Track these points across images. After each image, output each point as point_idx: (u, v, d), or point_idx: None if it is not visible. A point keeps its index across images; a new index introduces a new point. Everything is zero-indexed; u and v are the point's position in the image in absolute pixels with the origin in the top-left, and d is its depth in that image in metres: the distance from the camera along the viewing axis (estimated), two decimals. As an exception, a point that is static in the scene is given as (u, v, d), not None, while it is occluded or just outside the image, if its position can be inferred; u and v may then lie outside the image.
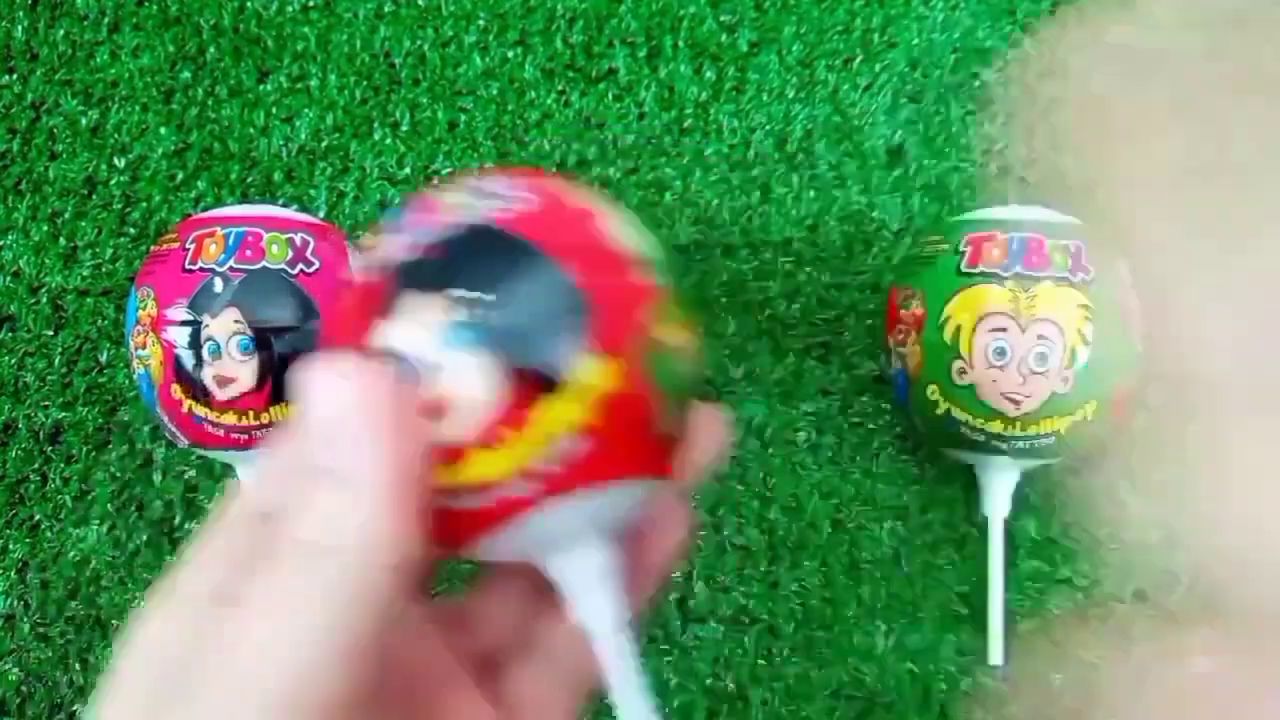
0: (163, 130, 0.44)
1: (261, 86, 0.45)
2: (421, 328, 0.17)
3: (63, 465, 0.40)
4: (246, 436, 0.34)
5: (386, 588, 0.16)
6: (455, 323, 0.17)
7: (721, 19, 0.46)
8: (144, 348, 0.34)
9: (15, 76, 0.45)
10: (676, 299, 0.20)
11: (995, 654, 0.38)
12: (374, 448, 0.16)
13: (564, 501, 0.18)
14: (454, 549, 0.19)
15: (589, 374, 0.17)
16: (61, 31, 0.45)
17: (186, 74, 0.45)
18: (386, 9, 0.46)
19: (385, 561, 0.16)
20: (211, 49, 0.45)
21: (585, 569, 0.19)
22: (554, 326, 0.17)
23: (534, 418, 0.17)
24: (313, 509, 0.17)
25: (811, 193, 0.43)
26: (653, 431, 0.19)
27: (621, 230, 0.19)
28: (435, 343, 0.17)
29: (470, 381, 0.17)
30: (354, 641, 0.16)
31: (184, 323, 0.33)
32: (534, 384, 0.17)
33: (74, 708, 0.38)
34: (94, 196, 0.43)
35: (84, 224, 0.43)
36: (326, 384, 0.17)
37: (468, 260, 0.18)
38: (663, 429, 0.19)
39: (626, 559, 0.21)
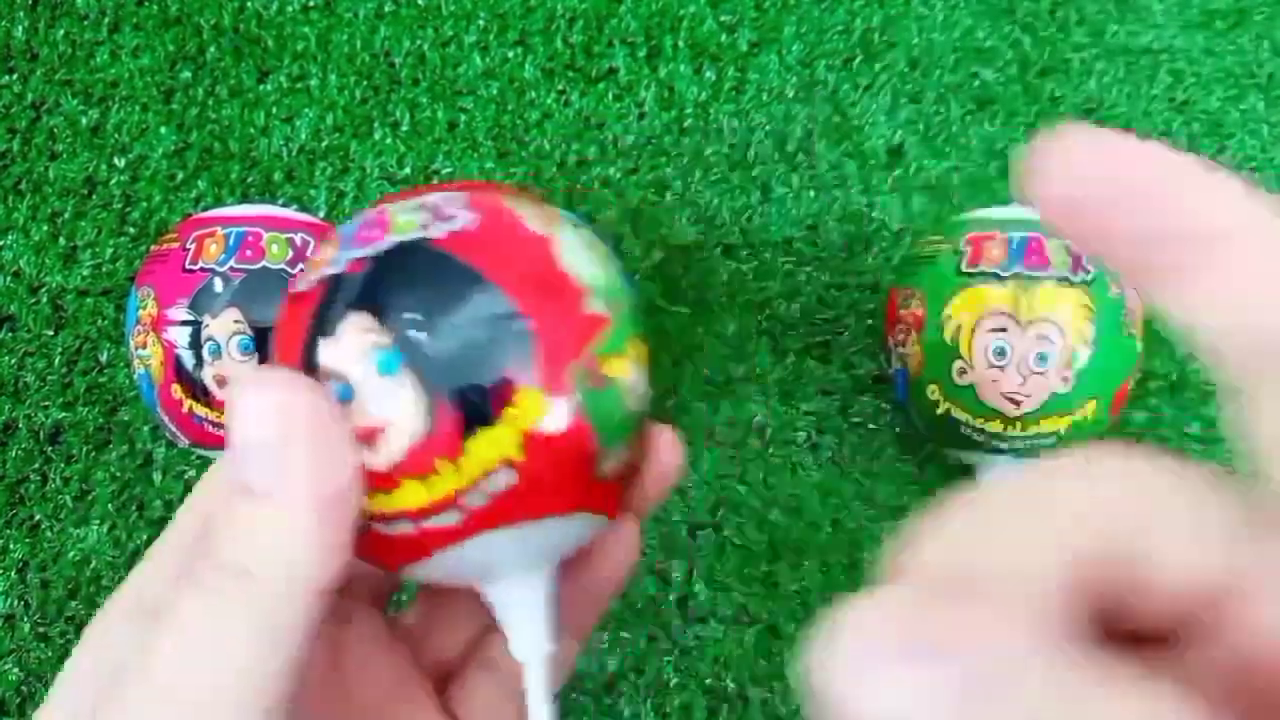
0: (163, 130, 0.44)
1: (261, 86, 0.45)
2: (357, 349, 0.17)
3: (63, 465, 0.40)
4: (247, 436, 0.34)
5: (305, 612, 0.16)
6: (390, 346, 0.17)
7: (721, 19, 0.46)
8: (144, 348, 0.34)
9: (15, 76, 0.45)
10: (629, 329, 0.19)
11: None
12: (301, 468, 0.16)
13: (492, 534, 0.18)
14: (385, 570, 0.19)
15: (524, 408, 0.17)
16: (61, 31, 0.45)
17: (186, 74, 0.45)
18: (386, 9, 0.46)
19: (305, 586, 0.16)
20: (211, 49, 0.45)
21: (515, 598, 0.19)
22: (491, 356, 0.17)
23: (464, 449, 0.17)
24: (234, 527, 0.16)
25: (811, 193, 0.43)
26: (591, 469, 0.18)
27: (574, 256, 0.19)
28: (370, 365, 0.17)
29: (402, 408, 0.17)
30: (268, 669, 0.15)
31: (184, 323, 0.33)
32: (467, 415, 0.17)
33: (74, 708, 0.38)
34: (94, 196, 0.43)
35: (84, 224, 0.43)
36: (256, 400, 0.16)
37: (408, 282, 0.17)
38: (603, 466, 0.18)
39: (568, 586, 0.20)
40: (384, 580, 0.23)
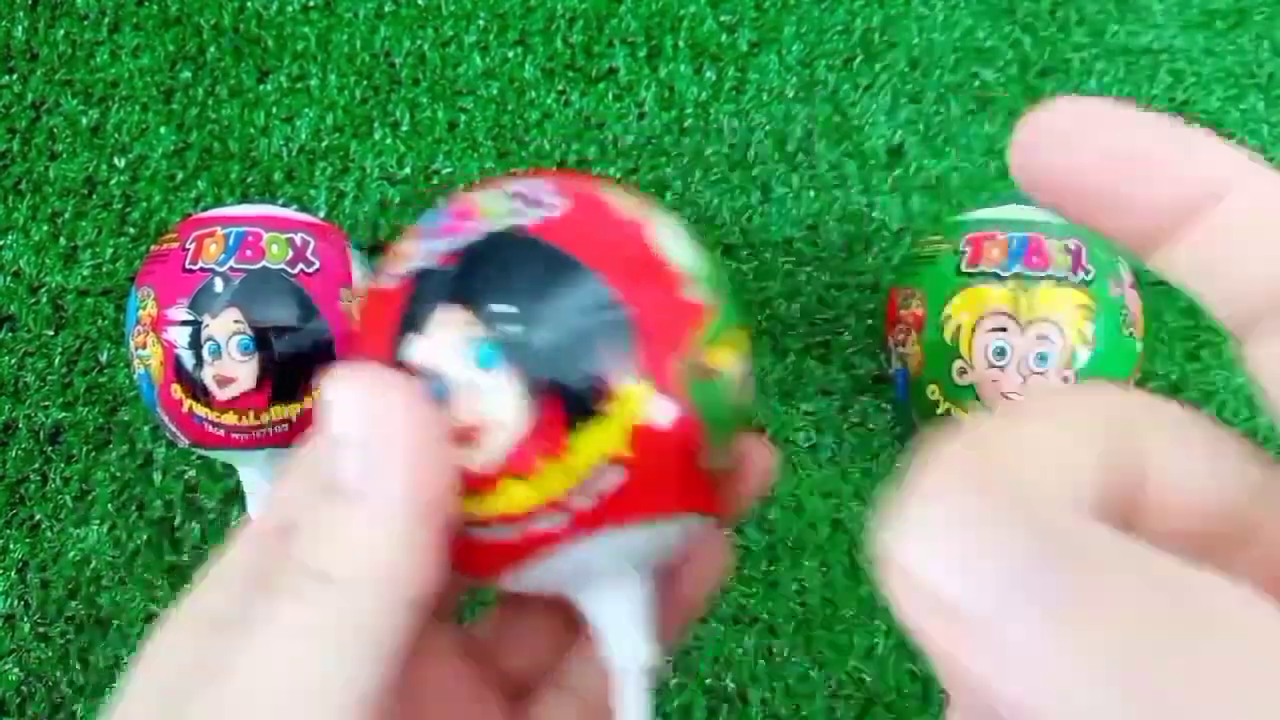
0: (163, 130, 0.44)
1: (261, 86, 0.45)
2: (452, 343, 0.16)
3: (63, 465, 0.40)
4: (247, 436, 0.34)
5: (397, 624, 0.15)
6: (488, 340, 0.16)
7: (721, 19, 0.46)
8: (144, 348, 0.34)
9: (15, 76, 0.45)
10: (728, 319, 0.18)
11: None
12: (397, 471, 0.15)
13: (596, 538, 0.17)
14: (479, 579, 0.18)
15: (631, 401, 0.16)
16: (61, 31, 0.45)
17: (186, 74, 0.45)
18: (386, 9, 0.46)
19: (399, 596, 0.15)
20: (211, 49, 0.45)
21: (614, 606, 0.18)
22: (593, 347, 0.16)
23: (569, 447, 0.16)
24: (325, 532, 0.15)
25: (811, 193, 0.43)
26: (697, 465, 0.17)
27: (671, 242, 0.18)
28: (466, 361, 0.16)
29: (501, 404, 0.16)
30: (356, 684, 0.15)
31: (184, 323, 0.33)
32: (570, 410, 0.16)
33: (74, 707, 0.38)
34: (94, 196, 0.43)
35: (84, 224, 0.43)
36: (352, 397, 0.15)
37: (502, 272, 0.16)
38: (709, 462, 0.17)
39: (660, 593, 0.19)
40: (455, 590, 0.22)
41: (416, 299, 0.16)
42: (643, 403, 0.16)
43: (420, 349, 0.16)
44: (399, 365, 0.16)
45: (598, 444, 0.16)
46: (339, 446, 0.15)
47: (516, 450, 0.16)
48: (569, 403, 0.16)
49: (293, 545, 0.15)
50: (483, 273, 0.16)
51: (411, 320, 0.16)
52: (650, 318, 0.16)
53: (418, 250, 0.17)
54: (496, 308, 0.16)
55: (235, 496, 0.40)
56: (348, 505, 0.15)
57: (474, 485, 0.16)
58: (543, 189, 0.17)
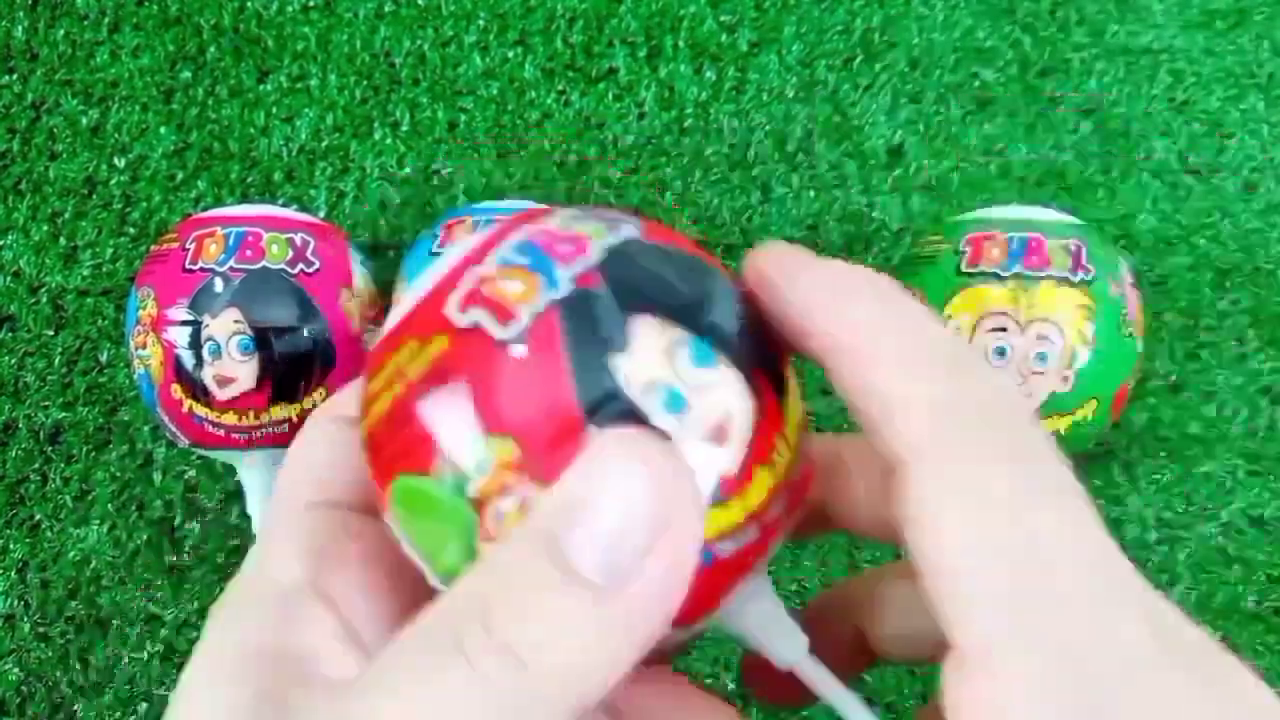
0: (163, 130, 0.44)
1: (261, 86, 0.45)
2: (664, 351, 0.15)
3: (63, 465, 0.40)
4: (247, 436, 0.34)
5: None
6: (695, 336, 0.16)
7: (721, 19, 0.46)
8: (144, 348, 0.34)
9: (15, 76, 0.45)
10: None
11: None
12: (654, 582, 0.13)
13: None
14: (691, 622, 0.16)
15: (793, 368, 0.17)
16: (61, 31, 0.45)
17: (186, 74, 0.45)
18: (386, 9, 0.46)
19: (586, 701, 0.13)
20: (211, 49, 0.45)
21: (762, 604, 0.17)
22: (760, 327, 0.17)
23: (786, 420, 0.16)
24: (535, 614, 0.13)
25: (811, 193, 0.43)
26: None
27: None
28: (684, 361, 0.15)
29: (733, 394, 0.16)
30: None
31: (184, 323, 0.33)
32: (775, 382, 0.17)
33: (74, 707, 0.38)
34: (94, 196, 0.43)
35: (84, 224, 0.43)
36: (634, 477, 0.14)
37: (661, 276, 0.16)
38: None
39: None
40: None
41: (580, 326, 0.15)
42: (794, 370, 0.17)
43: (630, 368, 0.15)
44: (603, 399, 0.15)
45: (796, 411, 0.17)
46: (589, 525, 0.13)
47: (759, 435, 0.16)
48: (773, 377, 0.17)
49: (479, 603, 0.14)
50: (639, 282, 0.16)
51: (596, 345, 0.15)
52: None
53: (534, 286, 0.16)
54: (683, 306, 0.16)
55: (235, 496, 0.40)
56: (578, 598, 0.13)
57: (731, 490, 0.15)
58: (593, 210, 0.18)
